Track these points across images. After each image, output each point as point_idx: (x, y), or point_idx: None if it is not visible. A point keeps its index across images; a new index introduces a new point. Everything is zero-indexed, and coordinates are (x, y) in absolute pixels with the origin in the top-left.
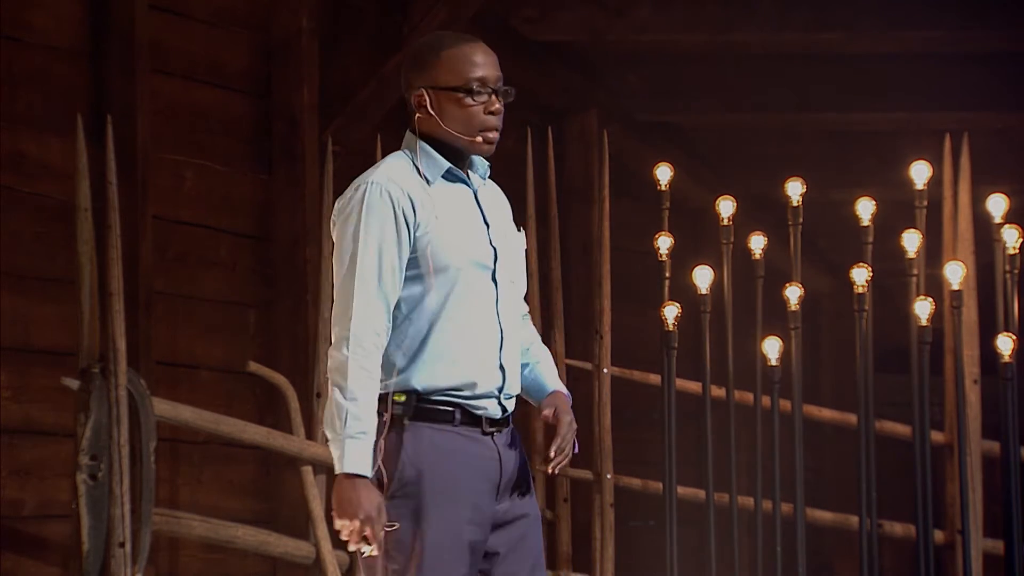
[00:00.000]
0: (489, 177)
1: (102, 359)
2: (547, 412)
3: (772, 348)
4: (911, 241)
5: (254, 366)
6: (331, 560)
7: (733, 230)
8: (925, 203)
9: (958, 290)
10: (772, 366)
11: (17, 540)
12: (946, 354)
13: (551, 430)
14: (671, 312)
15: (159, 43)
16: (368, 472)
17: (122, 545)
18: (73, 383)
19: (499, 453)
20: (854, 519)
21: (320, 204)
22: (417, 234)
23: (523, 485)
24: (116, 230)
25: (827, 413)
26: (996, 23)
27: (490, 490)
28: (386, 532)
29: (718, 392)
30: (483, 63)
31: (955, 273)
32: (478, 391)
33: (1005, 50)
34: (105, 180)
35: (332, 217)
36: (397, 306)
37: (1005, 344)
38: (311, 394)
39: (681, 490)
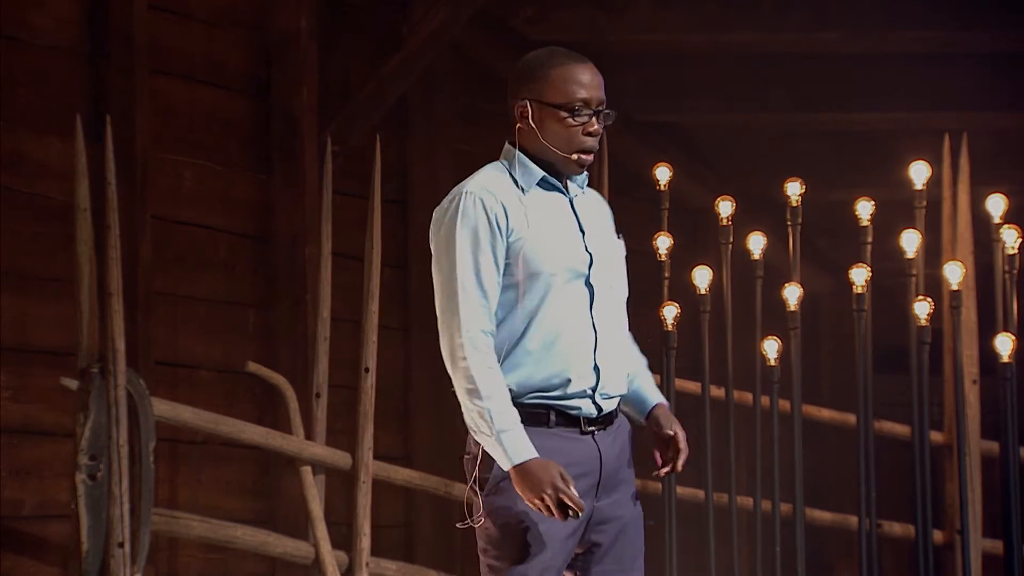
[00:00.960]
0: (588, 186)
1: (101, 359)
2: (664, 429)
3: (771, 348)
4: (910, 241)
5: (253, 366)
6: (330, 560)
7: (732, 230)
8: (924, 203)
9: (957, 290)
10: (771, 366)
11: (16, 540)
12: (945, 354)
13: (662, 440)
14: (670, 312)
15: (158, 43)
16: (533, 453)
17: (121, 545)
18: (72, 383)
19: (600, 452)
20: (853, 519)
21: (319, 204)
22: (510, 240)
23: (625, 485)
24: (115, 230)
25: (826, 413)
26: (996, 23)
27: (589, 488)
28: (481, 527)
29: (717, 392)
30: (588, 84)
31: (954, 273)
32: (570, 391)
33: (1004, 50)
34: (104, 180)
35: (430, 228)
36: (502, 307)
37: (1004, 344)
38: (310, 394)
39: (680, 490)
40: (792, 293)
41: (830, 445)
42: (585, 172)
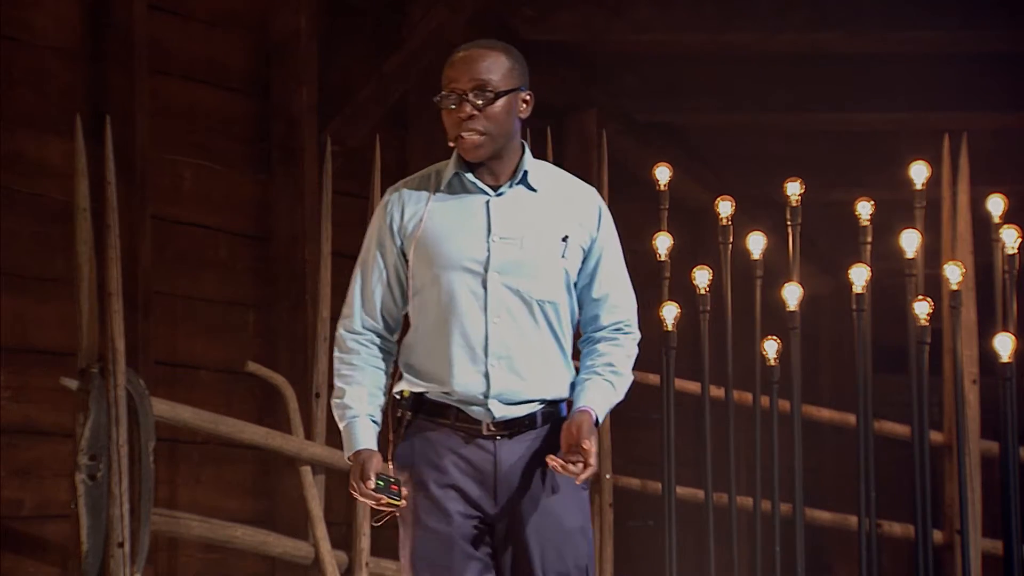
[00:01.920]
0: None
1: (101, 359)
2: (576, 436)
3: (771, 348)
4: (910, 241)
5: (253, 366)
6: (330, 560)
7: (732, 230)
8: (924, 203)
9: (957, 290)
10: (771, 366)
11: (16, 540)
12: (945, 354)
13: (569, 445)
14: (670, 312)
15: (158, 43)
16: (355, 448)
17: (121, 545)
18: (72, 383)
19: (495, 457)
20: (853, 519)
21: (319, 204)
22: (405, 238)
23: (542, 498)
24: (115, 230)
25: (826, 413)
26: (995, 24)
27: (483, 490)
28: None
29: (717, 392)
30: (455, 70)
31: (954, 273)
32: (462, 394)
33: (1004, 50)
34: (104, 180)
35: None
36: (407, 303)
37: (1004, 344)
38: (310, 394)
39: (680, 490)
40: (792, 293)
41: (830, 445)
42: (525, 168)
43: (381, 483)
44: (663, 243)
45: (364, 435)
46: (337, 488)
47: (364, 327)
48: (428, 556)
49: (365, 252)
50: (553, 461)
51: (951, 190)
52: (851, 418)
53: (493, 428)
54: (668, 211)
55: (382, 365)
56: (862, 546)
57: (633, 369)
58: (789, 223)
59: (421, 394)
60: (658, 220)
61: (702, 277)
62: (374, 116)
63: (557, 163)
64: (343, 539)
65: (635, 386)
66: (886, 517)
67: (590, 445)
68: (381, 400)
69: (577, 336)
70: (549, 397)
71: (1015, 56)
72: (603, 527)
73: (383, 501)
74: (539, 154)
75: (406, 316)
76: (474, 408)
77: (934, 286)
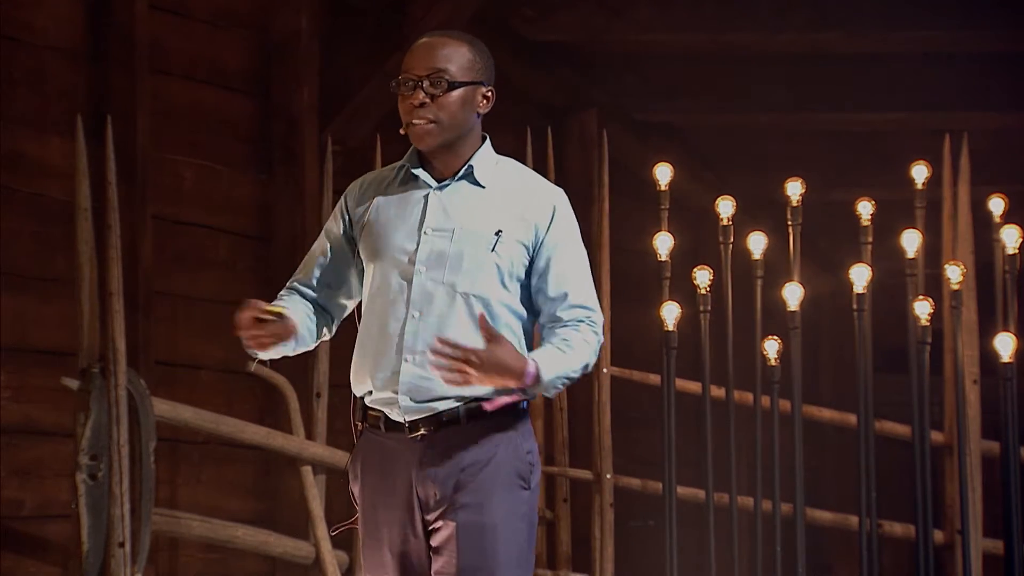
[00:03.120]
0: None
1: (102, 359)
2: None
3: (772, 348)
4: (910, 241)
5: (255, 366)
6: (331, 560)
7: (733, 230)
8: (924, 203)
9: (957, 290)
10: (772, 366)
11: (17, 540)
12: (946, 354)
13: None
14: (671, 312)
15: (159, 43)
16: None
17: (122, 545)
18: (73, 383)
19: (420, 456)
20: (854, 519)
21: (320, 204)
22: (353, 228)
23: (470, 492)
24: (116, 230)
25: (827, 413)
26: (995, 24)
27: (407, 493)
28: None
29: (718, 392)
30: (412, 57)
31: (954, 273)
32: (379, 392)
33: (1004, 50)
34: (105, 180)
35: None
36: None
37: (1005, 344)
38: (311, 394)
39: (681, 490)
40: (792, 293)
41: (830, 445)
42: (472, 163)
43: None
44: (664, 243)
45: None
46: (338, 488)
47: (302, 280)
48: (369, 562)
49: (325, 230)
50: (436, 354)
51: (951, 190)
52: (852, 418)
53: (410, 428)
54: (669, 211)
55: (311, 307)
56: (863, 546)
57: (633, 369)
58: (790, 223)
59: (361, 398)
60: (658, 220)
61: (703, 277)
62: (375, 116)
63: (557, 163)
64: (344, 539)
65: (636, 386)
66: (887, 517)
67: (481, 353)
68: (309, 323)
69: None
70: (468, 394)
71: (1015, 56)
72: (604, 527)
73: (264, 307)
74: (539, 154)
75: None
76: (391, 409)
77: (935, 286)
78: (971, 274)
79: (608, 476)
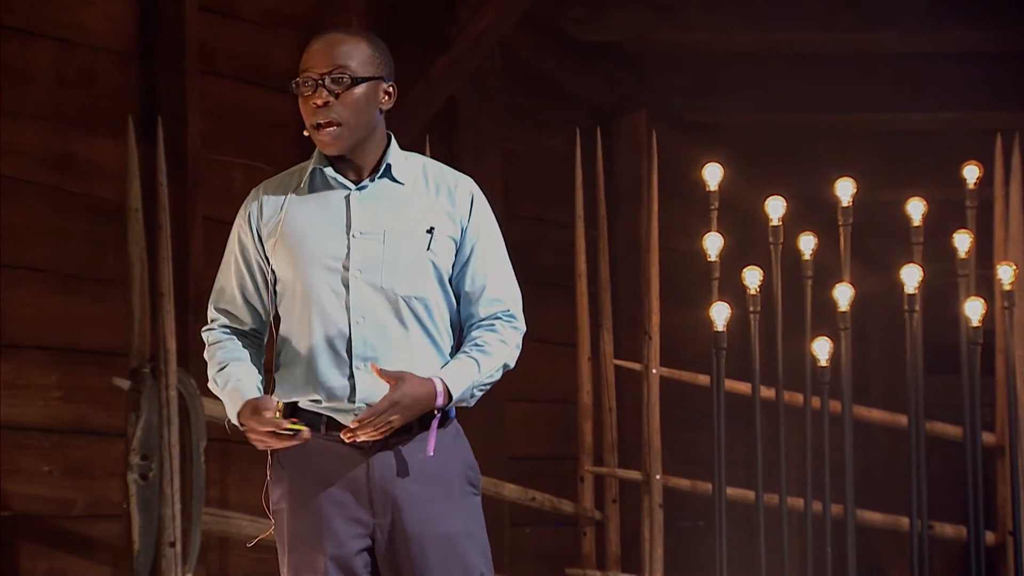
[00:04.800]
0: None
1: (152, 359)
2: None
3: (822, 349)
4: (962, 241)
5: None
6: None
7: (783, 230)
8: (976, 203)
9: (1009, 290)
10: (822, 367)
11: (68, 539)
12: (997, 355)
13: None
14: (720, 312)
15: (209, 44)
16: (244, 398)
17: (172, 544)
18: (124, 383)
19: (368, 463)
20: (905, 520)
21: None
22: (264, 237)
23: (424, 501)
24: (166, 230)
25: (877, 414)
26: None
27: (359, 501)
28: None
29: (767, 393)
30: (309, 56)
31: (1006, 273)
32: (328, 399)
33: None
34: (155, 181)
35: None
36: (274, 307)
37: None
38: None
39: (730, 491)
40: (843, 293)
41: (881, 446)
42: (388, 160)
43: (279, 414)
44: (713, 244)
45: (253, 391)
46: None
47: (224, 323)
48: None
49: (226, 256)
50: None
51: (1003, 190)
52: (902, 419)
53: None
54: (718, 211)
55: (252, 353)
56: (914, 547)
57: (683, 369)
58: (840, 223)
59: (294, 403)
60: (708, 220)
61: (752, 277)
62: (422, 118)
63: (607, 164)
64: None
65: (685, 387)
66: (938, 518)
67: (396, 400)
68: (260, 378)
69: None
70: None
71: None
72: (653, 528)
73: (285, 425)
74: (588, 154)
75: (275, 323)
76: (343, 414)
77: (986, 286)
78: (1023, 274)
79: (657, 477)
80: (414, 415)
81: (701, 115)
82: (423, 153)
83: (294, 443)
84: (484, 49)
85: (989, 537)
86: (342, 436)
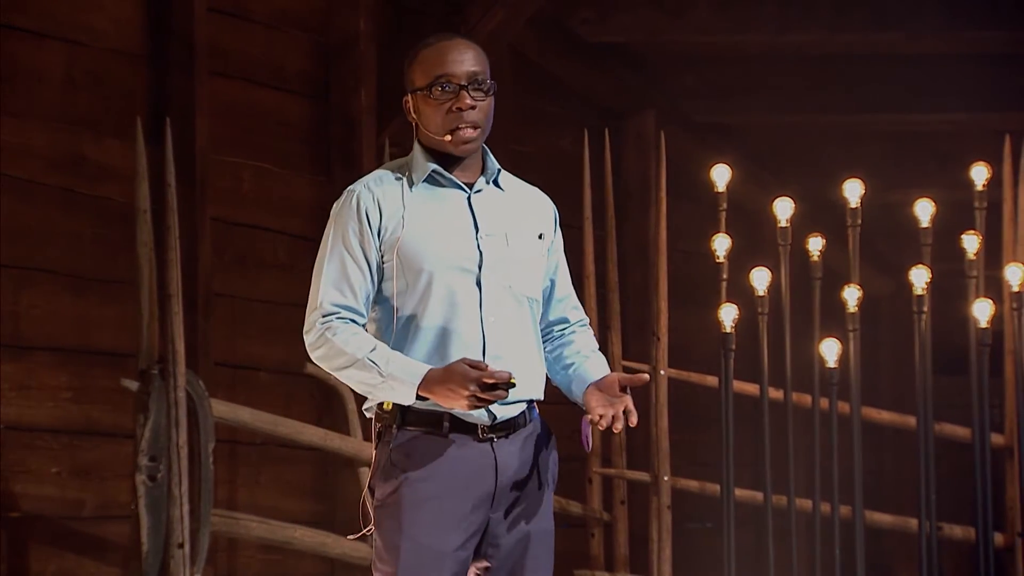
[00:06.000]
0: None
1: (161, 361)
2: (613, 388)
3: (830, 350)
4: (971, 243)
5: (312, 368)
6: None
7: (791, 231)
8: (985, 204)
9: (1018, 292)
10: (830, 368)
11: (77, 540)
12: (1006, 356)
13: (608, 398)
14: (728, 314)
15: (218, 45)
16: (425, 368)
17: (181, 545)
18: (132, 384)
19: (496, 460)
20: (913, 522)
21: None
22: (385, 238)
23: (532, 497)
24: (175, 232)
25: (886, 415)
26: None
27: (482, 498)
28: (374, 537)
29: (776, 394)
30: (451, 59)
31: (1015, 275)
32: None
33: None
34: (164, 182)
35: None
36: (384, 309)
37: None
38: None
39: (739, 492)
40: (851, 295)
41: (890, 447)
42: (495, 166)
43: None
44: (722, 244)
45: (414, 362)
46: None
47: (347, 304)
48: (418, 572)
49: (331, 255)
50: (596, 415)
51: (1012, 191)
52: (911, 420)
53: (489, 431)
54: (726, 212)
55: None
56: (922, 549)
57: (691, 370)
58: (849, 224)
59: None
60: (716, 221)
61: (760, 279)
62: None
63: (615, 165)
64: None
65: (693, 388)
66: (946, 519)
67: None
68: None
69: None
70: (535, 396)
71: None
72: (661, 529)
73: (511, 379)
74: (597, 155)
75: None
76: (472, 411)
77: (995, 288)
78: None
79: (666, 478)
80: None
81: (710, 116)
82: None
83: (504, 395)
84: (493, 50)
85: (998, 538)
86: (619, 423)
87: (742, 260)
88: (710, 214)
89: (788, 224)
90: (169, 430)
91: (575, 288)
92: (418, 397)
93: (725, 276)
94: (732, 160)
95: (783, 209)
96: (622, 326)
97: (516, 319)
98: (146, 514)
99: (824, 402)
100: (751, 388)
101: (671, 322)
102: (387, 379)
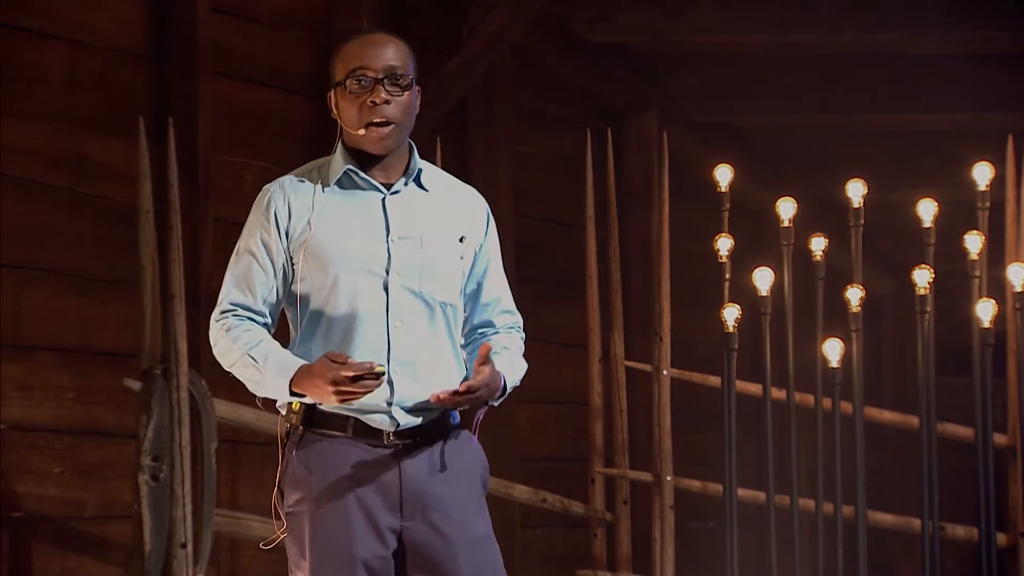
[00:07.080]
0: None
1: (164, 361)
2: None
3: (833, 350)
4: (973, 242)
5: None
6: None
7: (794, 231)
8: (988, 204)
9: (1021, 292)
10: (833, 368)
11: (80, 540)
12: (1009, 356)
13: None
14: (731, 314)
15: (221, 46)
16: (298, 364)
17: (184, 546)
18: (135, 384)
19: (400, 467)
20: (916, 522)
21: None
22: (293, 238)
23: (453, 503)
24: (178, 232)
25: (888, 415)
26: None
27: (392, 505)
28: (287, 543)
29: (778, 394)
30: (368, 53)
31: (1018, 275)
32: (362, 404)
33: None
34: (167, 182)
35: None
36: (297, 311)
37: None
38: None
39: (741, 492)
40: (854, 295)
41: (892, 447)
42: (417, 165)
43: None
44: (724, 244)
45: (293, 358)
46: None
47: (245, 303)
48: None
49: (241, 253)
50: (443, 393)
51: (1015, 191)
52: (914, 420)
53: (395, 437)
54: (729, 212)
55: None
56: (925, 549)
57: (693, 370)
58: (852, 225)
59: (312, 406)
60: (719, 221)
61: (763, 279)
62: (433, 118)
63: (617, 165)
64: None
65: (696, 388)
66: (949, 520)
67: (485, 383)
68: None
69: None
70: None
71: None
72: (664, 529)
73: (376, 368)
74: (599, 155)
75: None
76: (375, 416)
77: (998, 288)
78: None
79: (668, 478)
80: (486, 400)
81: (712, 116)
82: (434, 154)
83: (376, 385)
84: (495, 50)
85: (1000, 538)
86: (435, 398)
87: (745, 260)
88: (712, 214)
89: (791, 224)
90: (172, 430)
91: (576, 287)
92: (293, 394)
93: (728, 276)
94: (734, 160)
95: (786, 209)
96: (624, 326)
97: (427, 324)
98: (149, 514)
99: (827, 402)
100: (754, 388)
101: (673, 322)
102: (265, 375)
